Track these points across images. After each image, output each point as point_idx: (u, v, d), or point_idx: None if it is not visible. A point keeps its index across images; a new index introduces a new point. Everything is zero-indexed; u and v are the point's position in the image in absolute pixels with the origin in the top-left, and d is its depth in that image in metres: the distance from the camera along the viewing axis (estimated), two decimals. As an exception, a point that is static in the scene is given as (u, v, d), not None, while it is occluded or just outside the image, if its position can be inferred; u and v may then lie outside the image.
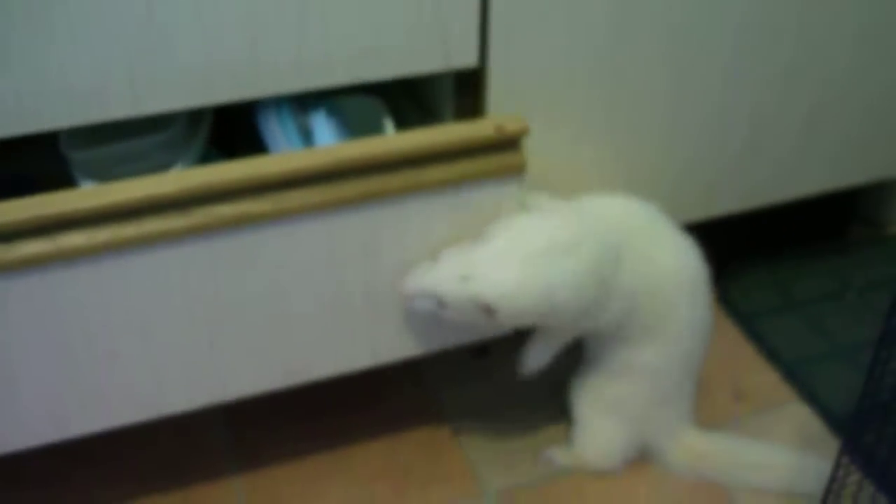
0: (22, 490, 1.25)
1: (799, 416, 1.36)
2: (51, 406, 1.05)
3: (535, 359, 1.18)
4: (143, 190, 0.99)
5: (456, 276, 1.04)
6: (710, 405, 1.33)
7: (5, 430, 1.05)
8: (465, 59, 1.12)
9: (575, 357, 1.26)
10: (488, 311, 1.04)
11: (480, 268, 1.04)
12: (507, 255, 1.04)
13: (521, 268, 1.03)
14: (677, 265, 1.18)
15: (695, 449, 1.26)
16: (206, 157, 1.17)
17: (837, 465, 1.08)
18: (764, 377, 1.42)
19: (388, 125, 1.17)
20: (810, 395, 1.38)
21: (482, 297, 1.03)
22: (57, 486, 1.26)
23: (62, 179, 1.13)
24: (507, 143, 1.08)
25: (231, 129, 1.24)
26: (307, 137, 1.14)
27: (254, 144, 1.16)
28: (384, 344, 1.16)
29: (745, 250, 1.59)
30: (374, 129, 1.17)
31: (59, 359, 1.03)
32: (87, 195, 0.98)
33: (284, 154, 1.08)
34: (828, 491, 1.10)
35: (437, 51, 1.10)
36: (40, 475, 1.27)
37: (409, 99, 1.28)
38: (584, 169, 1.28)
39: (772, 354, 1.46)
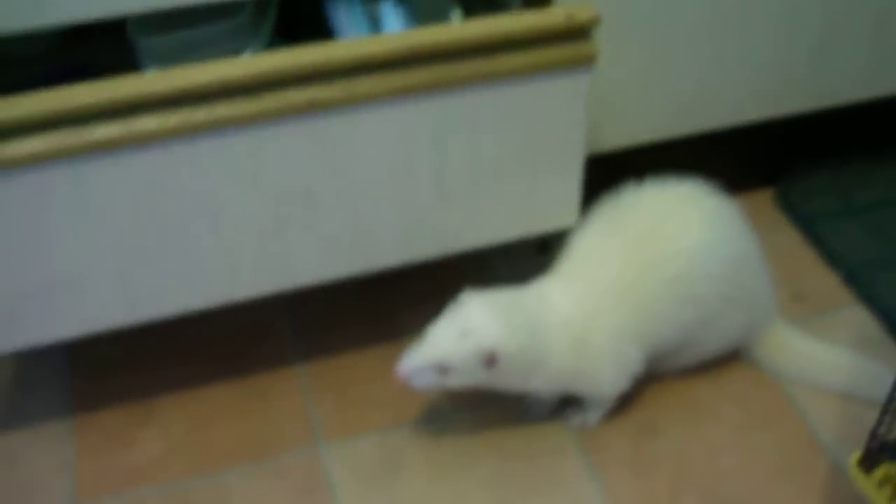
0: (94, 378, 1.29)
1: (858, 319, 1.35)
2: (124, 290, 1.07)
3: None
4: (214, 74, 0.99)
5: (455, 335, 1.08)
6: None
7: (81, 313, 1.07)
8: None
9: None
10: (492, 359, 1.08)
11: (475, 321, 1.08)
12: (493, 309, 1.10)
13: (509, 315, 1.11)
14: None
15: (776, 340, 1.27)
16: (271, 46, 1.17)
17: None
18: (824, 280, 1.42)
19: (456, 14, 1.16)
20: (870, 299, 1.37)
21: (485, 345, 1.07)
22: (126, 371, 1.29)
23: (127, 69, 1.13)
24: (578, 32, 1.07)
25: (295, 18, 1.23)
26: (375, 25, 1.13)
27: (318, 34, 1.16)
28: (452, 234, 1.17)
29: (809, 153, 1.57)
30: (442, 18, 1.16)
31: (132, 242, 1.04)
32: (159, 79, 0.99)
33: (355, 40, 1.08)
34: (891, 398, 1.09)
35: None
36: (110, 361, 1.30)
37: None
38: (652, 73, 1.27)
39: (832, 258, 1.44)
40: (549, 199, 1.21)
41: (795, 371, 1.27)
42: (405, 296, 1.37)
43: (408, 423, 1.23)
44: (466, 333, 1.08)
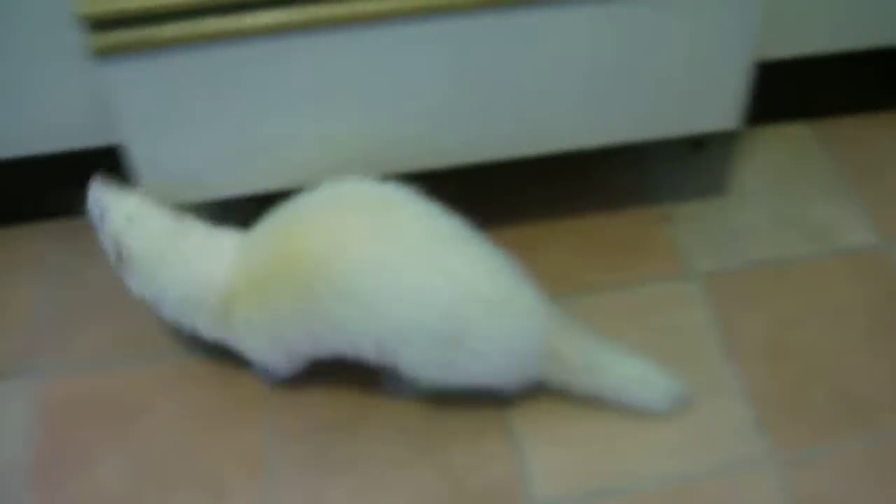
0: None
1: None
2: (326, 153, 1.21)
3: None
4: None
5: (123, 216, 1.17)
6: None
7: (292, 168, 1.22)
8: None
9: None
10: (121, 253, 1.16)
11: (138, 213, 1.17)
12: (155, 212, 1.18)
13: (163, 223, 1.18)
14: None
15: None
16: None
17: None
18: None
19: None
20: None
21: (119, 233, 1.16)
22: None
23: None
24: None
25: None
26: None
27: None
28: (616, 125, 1.27)
29: None
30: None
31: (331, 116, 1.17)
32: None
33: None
34: None
35: None
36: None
37: None
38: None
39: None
40: (712, 101, 1.29)
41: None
42: (568, 176, 1.48)
43: (565, 295, 1.34)
44: (131, 219, 1.17)
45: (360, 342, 1.14)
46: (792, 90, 1.50)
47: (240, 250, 1.18)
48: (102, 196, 1.19)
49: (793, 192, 1.48)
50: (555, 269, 1.37)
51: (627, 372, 1.21)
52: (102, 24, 1.06)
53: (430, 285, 1.11)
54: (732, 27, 1.20)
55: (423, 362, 1.15)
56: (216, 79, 1.12)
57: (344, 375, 1.25)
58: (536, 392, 1.23)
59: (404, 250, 1.12)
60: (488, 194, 1.45)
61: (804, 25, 1.38)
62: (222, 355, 1.27)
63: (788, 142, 1.55)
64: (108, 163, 1.24)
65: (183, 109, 1.14)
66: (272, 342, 1.18)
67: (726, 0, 1.17)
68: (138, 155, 1.17)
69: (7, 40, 1.19)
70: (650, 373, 1.22)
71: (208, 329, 1.21)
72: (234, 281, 1.16)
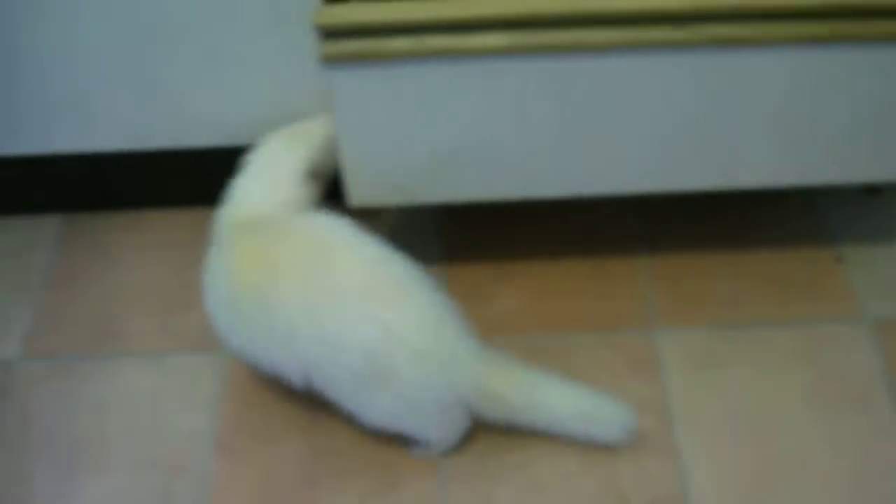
0: (463, 233, 1.50)
1: None
2: (529, 168, 1.26)
3: None
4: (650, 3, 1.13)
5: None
6: None
7: (491, 180, 1.27)
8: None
9: None
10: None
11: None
12: None
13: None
14: None
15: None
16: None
17: None
18: None
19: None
20: None
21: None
22: (490, 231, 1.50)
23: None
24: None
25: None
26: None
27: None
28: (810, 167, 1.29)
29: None
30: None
31: (555, 130, 1.22)
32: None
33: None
34: None
35: None
36: (478, 221, 1.50)
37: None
38: None
39: None
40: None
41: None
42: (742, 212, 1.51)
43: (733, 324, 1.38)
44: None
45: (288, 372, 1.20)
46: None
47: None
48: None
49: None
50: (723, 298, 1.41)
51: (570, 407, 1.23)
52: (336, 33, 1.13)
53: (354, 330, 1.14)
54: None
55: (350, 401, 1.20)
56: (433, 92, 1.18)
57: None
58: (702, 412, 1.27)
59: (334, 293, 1.16)
60: (665, 221, 1.49)
61: None
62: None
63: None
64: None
65: (397, 117, 1.20)
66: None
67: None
68: (350, 155, 1.24)
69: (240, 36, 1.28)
70: (597, 406, 1.24)
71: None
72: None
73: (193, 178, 1.45)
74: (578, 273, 1.45)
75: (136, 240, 1.52)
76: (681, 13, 1.13)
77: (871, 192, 1.53)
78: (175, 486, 1.25)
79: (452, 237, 1.50)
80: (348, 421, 1.27)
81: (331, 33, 1.13)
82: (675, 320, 1.39)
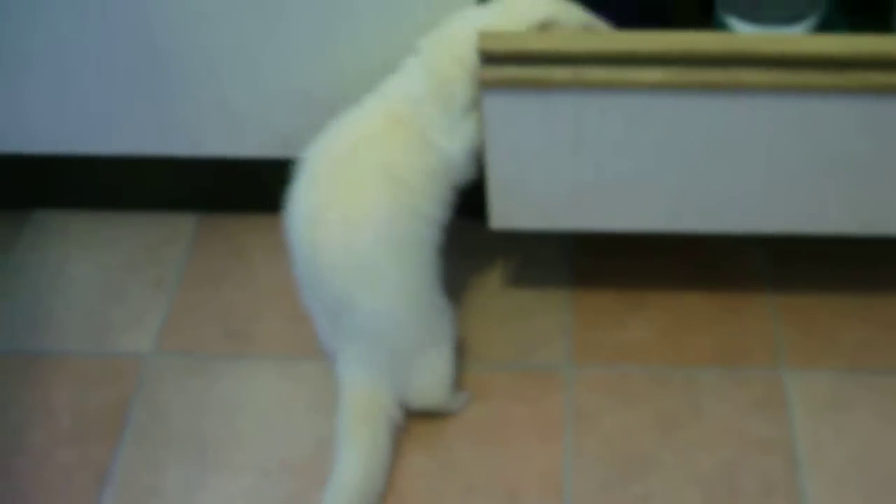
0: (594, 260, 1.51)
1: None
2: (673, 203, 1.27)
3: None
4: (814, 46, 1.13)
5: None
6: None
7: (630, 212, 1.28)
8: None
9: None
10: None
11: None
12: None
13: None
14: None
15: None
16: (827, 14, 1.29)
17: None
18: None
19: None
20: None
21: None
22: (622, 260, 1.50)
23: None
24: None
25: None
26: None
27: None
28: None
29: None
30: None
31: (694, 166, 1.23)
32: (776, 42, 1.15)
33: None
34: None
35: None
36: (611, 248, 1.51)
37: None
38: None
39: None
40: None
41: None
42: (877, 256, 1.49)
43: (864, 369, 1.37)
44: None
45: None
46: None
47: None
48: None
49: None
50: (854, 342, 1.41)
51: None
52: (496, 59, 1.15)
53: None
54: None
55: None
56: (585, 122, 1.19)
57: (649, 410, 1.32)
58: (828, 457, 1.27)
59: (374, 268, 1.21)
60: (796, 259, 1.48)
61: None
62: (529, 370, 1.35)
63: None
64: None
65: (547, 144, 1.22)
66: None
67: None
68: (497, 178, 1.25)
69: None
70: None
71: None
72: None
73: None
74: (706, 307, 1.45)
75: (267, 242, 1.55)
76: (837, 58, 1.13)
77: None
78: (302, 490, 1.28)
79: (581, 264, 1.51)
80: (473, 437, 1.29)
81: (491, 59, 1.15)
82: (803, 360, 1.39)
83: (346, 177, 1.22)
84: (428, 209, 1.23)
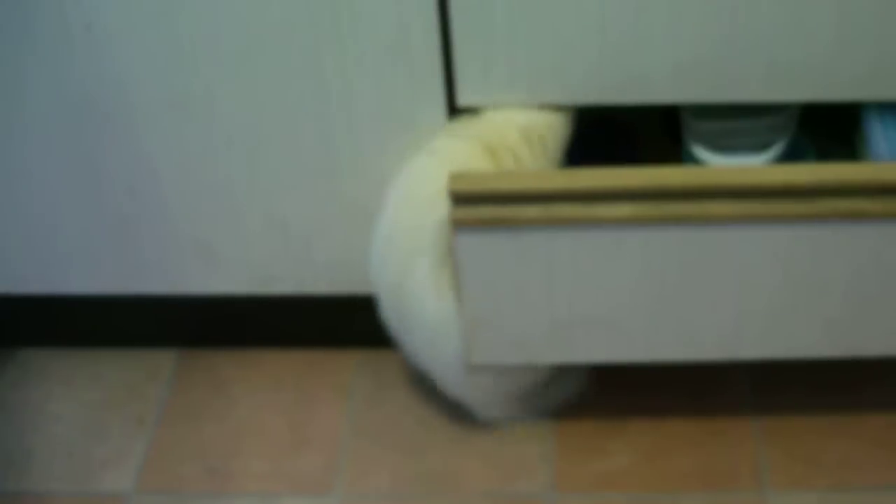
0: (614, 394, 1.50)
1: None
2: (649, 335, 1.28)
3: None
4: (784, 177, 1.15)
5: None
6: None
7: (610, 346, 1.29)
8: None
9: None
10: None
11: None
12: None
13: None
14: None
15: None
16: (795, 142, 1.32)
17: None
18: None
19: None
20: None
21: None
22: (598, 389, 1.49)
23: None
24: None
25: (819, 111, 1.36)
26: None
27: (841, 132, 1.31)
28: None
29: None
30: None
31: (666, 298, 1.24)
32: (741, 174, 1.17)
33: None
34: None
35: None
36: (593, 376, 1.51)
37: None
38: None
39: None
40: None
41: None
42: (851, 376, 1.49)
43: (849, 488, 1.36)
44: None
45: None
46: None
47: None
48: None
49: None
50: (838, 460, 1.40)
51: None
52: (467, 199, 1.16)
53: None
54: None
55: None
56: (557, 257, 1.20)
57: None
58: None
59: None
60: (776, 380, 1.49)
61: None
62: (512, 499, 1.35)
63: None
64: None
65: (520, 280, 1.22)
66: None
67: None
68: (471, 315, 1.26)
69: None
70: None
71: None
72: None
73: (310, 322, 1.49)
74: (688, 431, 1.44)
75: (248, 378, 1.55)
76: (804, 187, 1.15)
77: None
78: None
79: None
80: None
81: (462, 199, 1.16)
82: (788, 482, 1.38)
83: None
84: None
